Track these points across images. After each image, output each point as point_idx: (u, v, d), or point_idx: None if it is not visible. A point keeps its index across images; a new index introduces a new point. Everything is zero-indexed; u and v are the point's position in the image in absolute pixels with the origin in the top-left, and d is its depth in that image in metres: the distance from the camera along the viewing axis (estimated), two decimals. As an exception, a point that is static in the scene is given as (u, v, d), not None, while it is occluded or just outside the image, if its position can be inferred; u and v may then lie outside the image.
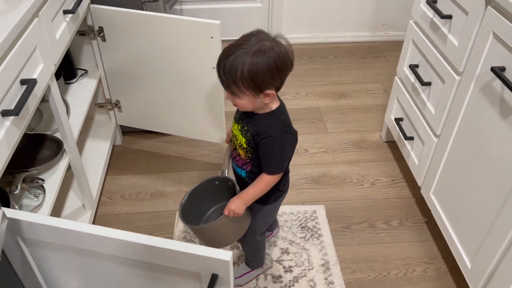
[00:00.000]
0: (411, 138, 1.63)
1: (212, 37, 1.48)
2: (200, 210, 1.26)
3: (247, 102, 1.03)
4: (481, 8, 1.16)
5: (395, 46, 2.63)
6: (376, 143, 1.97)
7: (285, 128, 1.09)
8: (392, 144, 1.94)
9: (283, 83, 1.05)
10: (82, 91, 1.59)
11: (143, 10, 1.63)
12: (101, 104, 1.80)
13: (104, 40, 1.60)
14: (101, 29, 1.58)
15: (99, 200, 1.68)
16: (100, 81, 1.72)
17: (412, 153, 1.64)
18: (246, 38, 1.01)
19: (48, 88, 1.16)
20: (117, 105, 1.80)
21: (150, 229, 1.58)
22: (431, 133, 1.47)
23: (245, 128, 1.09)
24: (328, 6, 2.59)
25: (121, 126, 1.92)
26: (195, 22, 1.46)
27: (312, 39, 2.72)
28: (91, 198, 1.49)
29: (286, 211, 1.64)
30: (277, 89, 1.05)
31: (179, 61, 1.58)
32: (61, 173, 1.26)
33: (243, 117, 1.11)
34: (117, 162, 1.86)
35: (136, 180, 1.77)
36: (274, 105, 1.10)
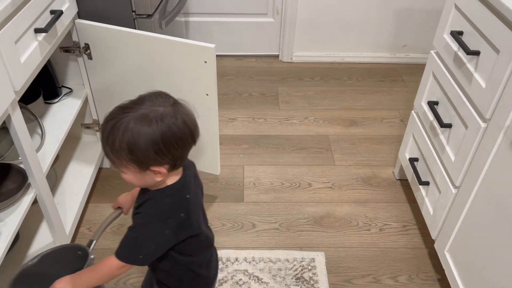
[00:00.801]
0: (427, 183, 1.44)
1: (206, 62, 1.32)
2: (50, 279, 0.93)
3: (131, 177, 0.85)
4: (516, 48, 0.97)
5: (416, 70, 2.44)
6: (387, 180, 1.78)
7: (160, 215, 0.86)
8: (405, 183, 1.75)
9: (181, 159, 0.86)
10: (63, 113, 1.45)
11: (134, 26, 1.49)
12: (87, 125, 1.66)
13: (90, 58, 1.46)
14: (87, 46, 1.44)
15: (77, 231, 1.54)
16: (86, 100, 1.59)
17: (426, 200, 1.44)
18: (139, 100, 0.84)
19: (8, 118, 1.02)
20: (105, 126, 1.66)
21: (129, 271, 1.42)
22: (449, 182, 1.28)
23: (135, 204, 0.91)
24: (345, 23, 2.42)
25: (110, 147, 1.78)
26: (188, 44, 1.31)
27: (327, 58, 2.54)
28: (63, 234, 1.34)
29: (281, 258, 1.46)
30: (173, 166, 0.85)
31: (170, 85, 1.43)
32: (21, 212, 1.11)
33: (140, 191, 0.93)
34: (102, 187, 1.72)
35: (121, 210, 1.62)
36: (170, 181, 0.89)
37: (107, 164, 1.80)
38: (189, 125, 0.84)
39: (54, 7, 1.22)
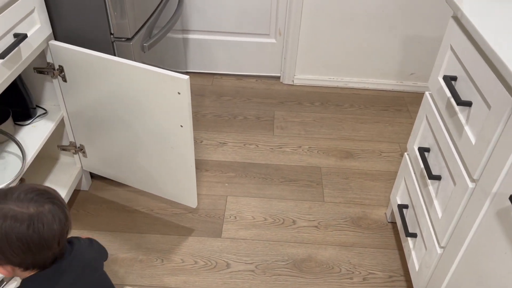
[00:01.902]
0: (414, 235, 1.32)
1: (179, 93, 1.24)
2: None
3: None
4: (507, 105, 0.86)
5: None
6: (378, 222, 1.66)
7: None
8: (397, 227, 1.63)
9: (33, 263, 0.86)
10: (33, 136, 1.39)
11: (113, 49, 1.42)
12: (64, 147, 1.60)
13: (65, 80, 1.40)
14: (61, 68, 1.37)
15: (42, 259, 1.47)
16: (63, 122, 1.52)
17: (413, 254, 1.32)
18: (10, 190, 0.84)
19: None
20: (81, 149, 1.59)
21: (88, 306, 1.34)
22: (435, 240, 1.16)
23: None
24: (351, 47, 2.31)
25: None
26: (161, 75, 1.23)
27: (329, 82, 2.43)
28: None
29: (252, 304, 1.36)
30: (25, 267, 0.86)
31: (143, 114, 1.35)
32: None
33: None
34: (77, 212, 1.65)
35: (91, 238, 1.55)
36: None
37: (85, 186, 1.73)
38: (42, 234, 0.81)
39: (19, 30, 1.15)
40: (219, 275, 1.45)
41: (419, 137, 1.34)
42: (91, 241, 1.06)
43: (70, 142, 1.59)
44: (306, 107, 2.27)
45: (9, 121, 1.37)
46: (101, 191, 1.73)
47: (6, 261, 0.83)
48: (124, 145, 1.48)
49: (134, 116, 1.38)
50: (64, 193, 1.54)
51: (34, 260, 0.84)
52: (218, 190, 1.76)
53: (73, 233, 1.56)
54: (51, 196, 0.87)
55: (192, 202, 1.52)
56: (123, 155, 1.52)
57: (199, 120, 2.13)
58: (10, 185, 1.21)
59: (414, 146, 1.36)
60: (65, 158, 1.67)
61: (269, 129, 2.11)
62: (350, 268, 1.49)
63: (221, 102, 2.27)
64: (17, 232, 0.79)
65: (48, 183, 1.58)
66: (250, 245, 1.55)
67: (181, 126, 1.31)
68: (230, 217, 1.65)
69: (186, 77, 1.21)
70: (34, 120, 1.45)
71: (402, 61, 2.34)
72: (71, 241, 0.96)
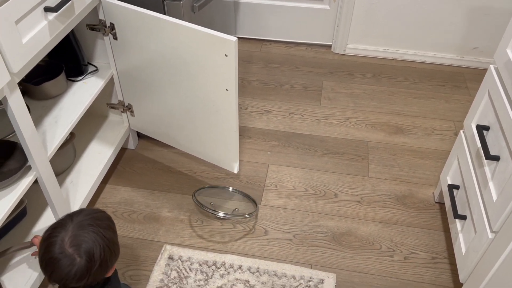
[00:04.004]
0: (463, 217, 1.25)
1: (226, 55, 1.22)
2: None
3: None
4: None
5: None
6: (425, 202, 1.59)
7: None
8: (444, 208, 1.55)
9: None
10: (82, 92, 1.42)
11: (163, 9, 1.41)
12: (113, 105, 1.63)
13: (115, 38, 1.41)
14: (112, 26, 1.38)
15: (89, 212, 1.53)
16: (112, 80, 1.55)
17: (460, 236, 1.26)
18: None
19: (4, 99, 0.98)
20: (129, 108, 1.62)
21: (128, 261, 1.39)
22: (487, 224, 1.09)
23: None
24: (409, 17, 2.18)
25: (136, 129, 1.75)
26: (209, 35, 1.21)
27: (383, 54, 2.32)
28: (68, 216, 1.33)
29: (288, 273, 1.35)
30: None
31: (190, 76, 1.34)
32: (17, 194, 1.09)
33: None
34: (123, 169, 1.69)
35: (135, 196, 1.59)
36: None
37: (132, 145, 1.77)
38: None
39: (73, -16, 1.16)
40: (256, 241, 1.45)
41: (478, 114, 1.25)
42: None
43: (119, 100, 1.62)
44: (356, 79, 2.18)
45: (62, 76, 1.40)
46: (147, 150, 1.77)
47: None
48: (170, 107, 1.49)
49: (180, 77, 1.37)
50: (110, 151, 1.58)
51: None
52: (260, 158, 1.75)
53: (119, 190, 1.61)
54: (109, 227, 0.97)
55: (233, 167, 1.52)
56: (169, 116, 1.52)
57: (245, 87, 2.11)
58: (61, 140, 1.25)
59: (471, 124, 1.27)
60: (113, 116, 1.71)
61: (316, 99, 2.05)
62: (391, 245, 1.45)
63: (269, 69, 2.23)
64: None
65: (97, 140, 1.62)
66: (289, 214, 1.54)
67: (227, 90, 1.29)
68: (271, 185, 1.64)
69: (234, 38, 1.18)
70: (86, 77, 1.48)
71: (465, 34, 2.18)
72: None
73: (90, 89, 1.44)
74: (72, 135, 1.45)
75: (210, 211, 1.47)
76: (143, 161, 1.73)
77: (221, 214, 1.47)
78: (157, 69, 1.40)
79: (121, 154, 1.75)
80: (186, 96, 1.41)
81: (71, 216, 0.93)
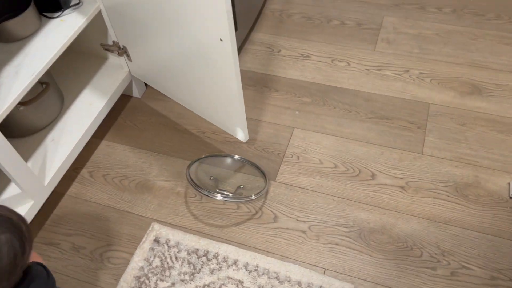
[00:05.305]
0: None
1: (214, -7, 0.86)
2: None
3: None
4: None
5: None
6: (495, 196, 1.19)
7: None
8: (522, 208, 1.15)
9: None
10: (57, 34, 1.14)
11: None
12: (107, 46, 1.35)
13: (92, -37, 1.09)
14: None
15: (77, 174, 1.33)
16: (101, 18, 1.25)
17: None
18: None
19: None
20: (125, 52, 1.33)
21: (110, 239, 1.19)
22: None
23: None
24: None
25: (142, 74, 1.47)
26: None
27: (472, -20, 1.75)
28: (39, 185, 1.13)
29: (292, 277, 1.08)
30: None
31: (179, 19, 1.01)
32: None
33: None
34: (123, 122, 1.45)
35: (131, 157, 1.36)
36: None
37: (137, 93, 1.51)
38: None
39: None
40: (261, 229, 1.17)
41: None
42: (48, 276, 0.83)
43: (113, 41, 1.33)
44: (429, 14, 1.68)
45: (31, 11, 1.12)
46: (153, 100, 1.50)
47: None
48: (166, 54, 1.18)
49: (169, 20, 1.04)
50: (103, 102, 1.33)
51: None
52: (284, 119, 1.41)
53: (115, 148, 1.39)
54: (12, 224, 0.71)
55: (242, 136, 1.21)
56: (167, 65, 1.22)
57: (282, 22, 1.71)
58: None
59: None
60: (113, 59, 1.44)
61: (370, 41, 1.61)
62: (436, 253, 1.10)
63: (317, -1, 1.78)
64: None
65: (90, 88, 1.38)
66: (309, 197, 1.22)
67: (221, 40, 0.95)
68: (292, 156, 1.32)
69: (222, -31, 0.81)
70: (64, 13, 1.20)
71: None
72: (28, 273, 0.76)
73: (66, 29, 1.16)
74: (47, 85, 1.21)
75: (205, 193, 1.19)
76: (147, 113, 1.47)
77: (219, 197, 1.19)
78: (148, 8, 1.08)
79: (125, 103, 1.50)
80: (179, 45, 1.09)
81: None
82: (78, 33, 1.16)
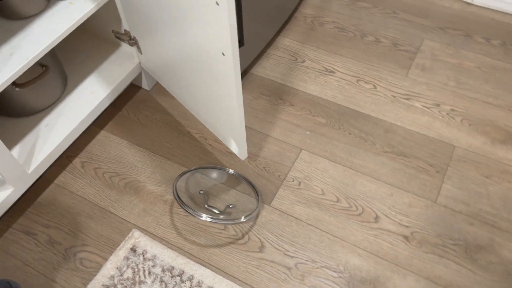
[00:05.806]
0: None
1: (217, 3, 0.76)
2: None
3: None
4: None
5: None
6: (508, 265, 1.06)
7: None
8: (538, 285, 1.02)
9: None
10: (63, 16, 1.08)
11: None
12: (118, 34, 1.28)
13: None
14: None
15: (69, 162, 1.28)
16: (113, 5, 1.18)
17: None
18: None
19: None
20: (136, 43, 1.26)
21: (87, 238, 1.14)
22: None
23: None
24: None
25: (154, 66, 1.40)
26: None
27: (531, 12, 1.58)
28: (21, 172, 1.08)
29: (266, 317, 0.99)
30: None
31: (182, 26, 0.92)
32: None
33: None
34: (126, 114, 1.39)
35: (126, 154, 1.29)
36: None
37: (146, 85, 1.44)
38: None
39: None
40: (244, 257, 1.09)
41: None
42: None
43: (125, 30, 1.26)
44: (475, 44, 1.52)
45: (39, -9, 1.06)
46: (161, 95, 1.43)
47: None
48: (172, 53, 1.10)
49: (177, 23, 0.95)
50: (106, 92, 1.27)
51: None
52: (293, 137, 1.31)
53: (113, 141, 1.33)
54: None
55: (239, 153, 1.12)
56: (172, 65, 1.14)
57: (313, 29, 1.59)
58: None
59: None
60: (126, 47, 1.37)
61: (404, 65, 1.48)
62: (429, 321, 0.99)
63: (354, 9, 1.65)
64: None
65: (96, 74, 1.32)
66: (302, 231, 1.13)
67: (223, 54, 0.86)
68: (293, 180, 1.22)
69: (228, -21, 0.71)
70: (74, -5, 1.13)
71: None
72: None
73: (74, 12, 1.09)
74: (46, 69, 1.15)
75: (190, 211, 1.11)
76: (153, 108, 1.40)
77: (203, 217, 1.11)
78: (156, 3, 1.00)
79: (133, 93, 1.44)
80: (184, 48, 1.01)
81: None
82: (85, 18, 1.09)
